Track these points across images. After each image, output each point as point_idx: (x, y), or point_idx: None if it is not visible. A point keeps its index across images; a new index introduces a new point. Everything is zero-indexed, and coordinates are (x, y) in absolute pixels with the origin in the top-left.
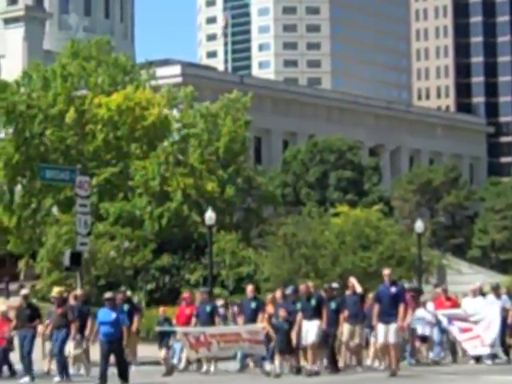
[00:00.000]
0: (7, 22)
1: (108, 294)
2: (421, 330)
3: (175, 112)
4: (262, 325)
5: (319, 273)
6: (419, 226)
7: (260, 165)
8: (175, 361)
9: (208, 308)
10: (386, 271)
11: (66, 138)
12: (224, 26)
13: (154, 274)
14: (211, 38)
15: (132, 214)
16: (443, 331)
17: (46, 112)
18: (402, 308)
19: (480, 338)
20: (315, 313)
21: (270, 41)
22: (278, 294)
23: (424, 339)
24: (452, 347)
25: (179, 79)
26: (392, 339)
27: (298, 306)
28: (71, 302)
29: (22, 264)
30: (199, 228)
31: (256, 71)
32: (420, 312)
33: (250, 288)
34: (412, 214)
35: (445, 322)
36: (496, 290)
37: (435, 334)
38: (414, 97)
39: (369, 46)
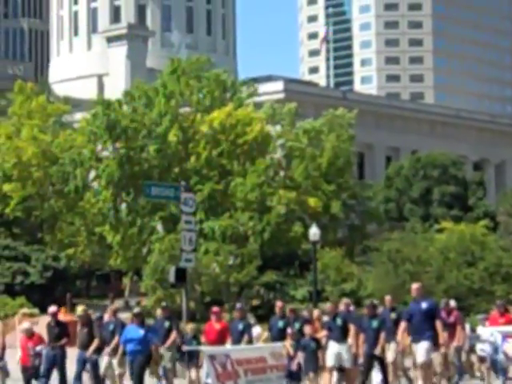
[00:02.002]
0: (110, 40)
1: (136, 310)
2: (480, 350)
3: (278, 128)
4: (283, 343)
5: (424, 289)
6: None
7: (363, 180)
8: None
9: (240, 326)
10: (415, 285)
11: (169, 155)
12: (323, 38)
13: (258, 291)
14: (313, 53)
15: (236, 230)
16: (496, 350)
17: (150, 128)
18: (438, 324)
19: None
20: (343, 333)
21: (372, 56)
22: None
23: (482, 360)
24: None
25: (281, 95)
26: (420, 358)
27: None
28: (106, 318)
29: (126, 281)
30: (303, 244)
31: (358, 86)
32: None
33: (278, 304)
34: None
35: (499, 339)
36: None
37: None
38: None
39: (472, 59)
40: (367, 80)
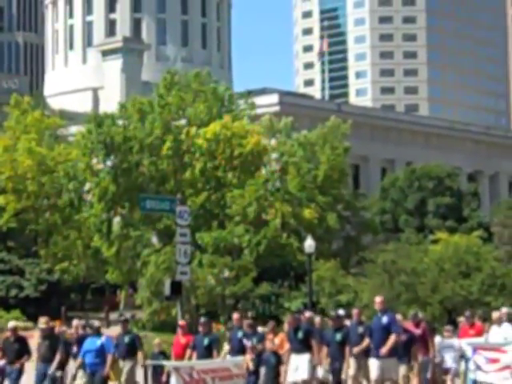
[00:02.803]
0: (105, 53)
1: (97, 323)
2: (448, 361)
3: (273, 141)
4: (244, 357)
5: (419, 300)
6: None
7: (358, 192)
8: None
9: (206, 340)
10: (378, 299)
11: (164, 167)
12: (320, 51)
13: (254, 303)
14: (308, 66)
15: (230, 243)
16: (467, 362)
17: (143, 142)
18: (392, 338)
19: (510, 369)
20: (304, 345)
21: (367, 68)
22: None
23: (446, 372)
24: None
25: (277, 108)
26: (374, 374)
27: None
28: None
29: (121, 294)
30: (298, 256)
31: (353, 99)
32: (437, 340)
33: (235, 316)
34: None
35: (469, 351)
36: None
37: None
38: None
39: (466, 71)
40: (362, 92)
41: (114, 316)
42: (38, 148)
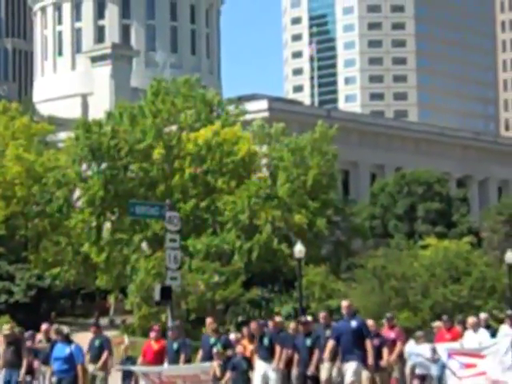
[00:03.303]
0: (94, 60)
1: (66, 329)
2: (418, 368)
3: (264, 147)
4: (212, 363)
5: (409, 305)
6: (509, 256)
7: (348, 197)
8: None
9: (175, 345)
10: (345, 303)
11: (154, 173)
12: (311, 56)
13: (244, 307)
14: (297, 72)
15: (221, 249)
16: (444, 367)
17: (133, 147)
18: (369, 344)
19: (486, 375)
20: (271, 352)
21: (356, 74)
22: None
23: (423, 378)
24: None
25: (266, 114)
26: (349, 379)
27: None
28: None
29: (111, 299)
30: (288, 261)
31: (342, 105)
32: (410, 346)
33: (208, 321)
34: (501, 245)
35: (444, 356)
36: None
37: (434, 371)
38: (501, 127)
39: (455, 77)
40: (351, 98)
41: (104, 321)
42: (26, 154)
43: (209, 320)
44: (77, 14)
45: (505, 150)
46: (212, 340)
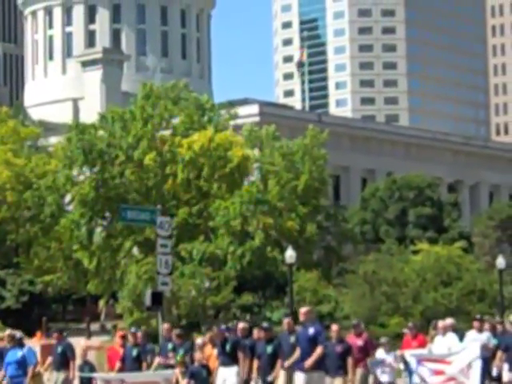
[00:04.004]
0: (85, 64)
1: (18, 334)
2: (380, 375)
3: (255, 150)
4: (174, 370)
5: (400, 310)
6: (500, 262)
7: (338, 202)
8: None
9: (134, 352)
10: (303, 309)
11: (147, 178)
12: (299, 60)
13: (235, 313)
14: (288, 76)
15: (214, 255)
16: (411, 374)
17: (126, 153)
18: (319, 349)
19: (455, 381)
20: (232, 359)
21: (347, 78)
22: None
23: None
24: None
25: (257, 118)
26: None
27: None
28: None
29: (102, 304)
30: (280, 266)
31: (333, 109)
32: (379, 354)
33: (165, 327)
34: (492, 250)
35: (413, 363)
36: (480, 323)
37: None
38: (492, 132)
39: (446, 82)
40: (342, 103)
41: (95, 327)
42: (15, 159)
43: (166, 326)
44: (67, 19)
45: (496, 155)
46: (169, 346)
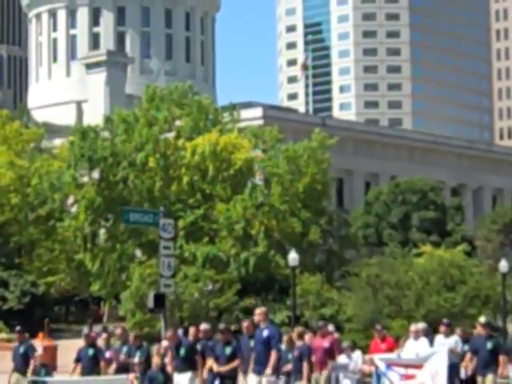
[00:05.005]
0: (89, 66)
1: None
2: (342, 380)
3: (258, 153)
4: (127, 375)
5: (403, 313)
6: (504, 265)
7: (342, 206)
8: None
9: (90, 351)
10: (258, 310)
11: (150, 181)
12: (303, 64)
13: (237, 316)
14: (292, 80)
15: (217, 257)
16: (379, 378)
17: (131, 158)
18: (273, 354)
19: None
20: (186, 363)
21: (351, 82)
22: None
23: None
24: None
25: (261, 121)
26: None
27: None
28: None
29: (105, 306)
30: (282, 269)
31: (337, 113)
32: (342, 358)
33: (118, 332)
34: (496, 254)
35: (382, 367)
36: (447, 327)
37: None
38: (495, 136)
39: (449, 85)
40: (346, 106)
41: (97, 328)
42: (18, 160)
43: (118, 330)
44: (72, 21)
45: (499, 159)
46: (124, 349)
